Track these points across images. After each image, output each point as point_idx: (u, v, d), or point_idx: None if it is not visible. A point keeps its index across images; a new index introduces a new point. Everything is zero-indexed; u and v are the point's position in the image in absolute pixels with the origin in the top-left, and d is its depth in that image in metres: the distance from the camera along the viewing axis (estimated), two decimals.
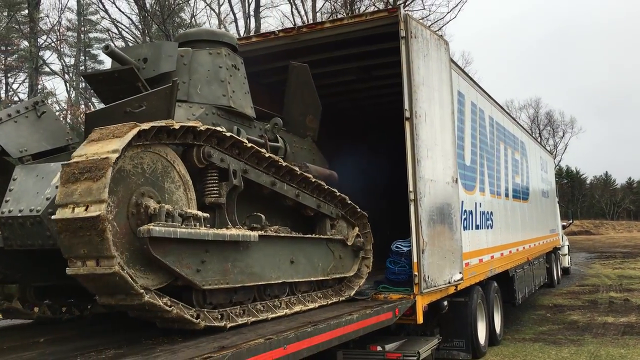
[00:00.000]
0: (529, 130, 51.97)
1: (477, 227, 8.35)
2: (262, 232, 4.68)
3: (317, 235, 5.47)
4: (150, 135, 3.66)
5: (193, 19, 25.34)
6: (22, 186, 4.02)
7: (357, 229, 5.99)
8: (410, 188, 6.04)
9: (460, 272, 6.90)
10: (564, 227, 20.23)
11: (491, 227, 9.30)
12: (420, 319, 5.97)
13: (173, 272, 3.77)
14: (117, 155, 3.32)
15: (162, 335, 4.01)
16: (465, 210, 7.66)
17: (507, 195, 10.70)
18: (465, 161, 7.92)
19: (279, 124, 5.45)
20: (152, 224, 3.57)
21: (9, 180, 4.11)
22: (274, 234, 4.83)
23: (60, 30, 26.65)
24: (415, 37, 6.18)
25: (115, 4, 24.33)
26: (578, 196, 79.80)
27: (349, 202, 5.80)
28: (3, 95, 20.72)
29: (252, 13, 24.81)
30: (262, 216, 4.80)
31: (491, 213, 9.31)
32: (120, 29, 23.64)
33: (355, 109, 10.71)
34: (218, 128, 4.22)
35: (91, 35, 27.54)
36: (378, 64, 8.17)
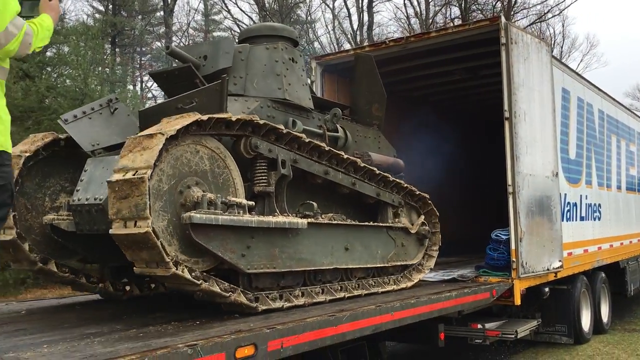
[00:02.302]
0: None
1: (581, 219, 8.79)
2: (313, 219, 4.82)
3: (375, 223, 5.54)
4: (189, 129, 3.90)
5: (309, 15, 25.93)
6: (91, 176, 4.45)
7: (422, 216, 5.98)
8: (509, 182, 6.60)
9: (559, 261, 7.39)
10: None
11: (598, 219, 9.57)
12: (517, 301, 6.52)
13: (217, 256, 4.03)
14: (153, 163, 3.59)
15: None
16: (568, 202, 8.23)
17: (619, 187, 10.78)
18: (569, 155, 8.42)
19: (338, 114, 5.55)
20: (194, 211, 3.83)
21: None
22: (326, 222, 4.96)
23: (189, 32, 28.40)
24: (516, 42, 6.71)
25: (237, 4, 25.50)
26: None
27: (406, 185, 5.81)
28: (139, 92, 22.52)
29: (365, 8, 24.94)
30: (314, 204, 4.95)
31: (599, 205, 9.61)
32: (241, 28, 24.70)
33: (460, 107, 11.46)
34: (255, 118, 4.39)
35: (215, 34, 29.01)
36: (482, 65, 8.74)
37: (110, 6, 25.94)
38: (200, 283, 3.80)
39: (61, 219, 4.61)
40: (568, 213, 8.26)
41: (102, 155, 4.66)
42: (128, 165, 3.62)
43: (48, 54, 18.33)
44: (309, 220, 4.75)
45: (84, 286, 5.12)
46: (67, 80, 18.24)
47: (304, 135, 4.82)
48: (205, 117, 3.99)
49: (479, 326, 6.65)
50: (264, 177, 4.55)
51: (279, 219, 4.45)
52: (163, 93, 5.86)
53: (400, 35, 26.61)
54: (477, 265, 7.29)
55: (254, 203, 4.34)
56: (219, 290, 3.96)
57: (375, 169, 5.48)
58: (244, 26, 24.82)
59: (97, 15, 26.32)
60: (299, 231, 4.63)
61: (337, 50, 24.88)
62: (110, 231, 3.65)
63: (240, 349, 3.32)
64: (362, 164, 5.36)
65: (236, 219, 4.07)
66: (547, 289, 7.55)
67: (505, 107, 6.61)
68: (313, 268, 4.79)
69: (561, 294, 8.01)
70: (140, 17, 26.99)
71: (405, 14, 26.64)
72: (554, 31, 34.83)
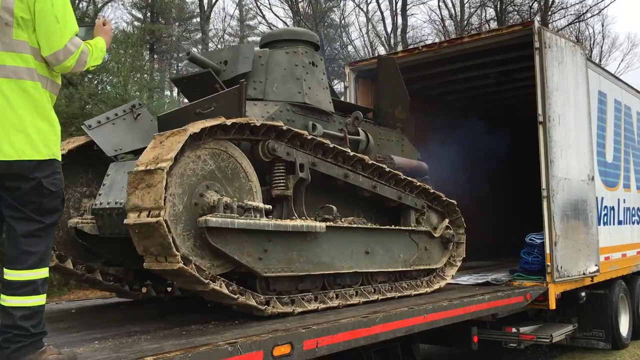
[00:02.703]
0: None
1: (619, 223, 8.75)
2: (332, 223, 4.82)
3: (396, 227, 5.50)
4: (203, 134, 3.95)
5: (343, 19, 25.98)
6: (113, 181, 4.54)
7: (447, 220, 5.91)
8: (543, 186, 6.62)
9: (595, 265, 7.38)
10: None
11: (637, 223, 9.51)
12: (552, 305, 6.52)
13: (233, 260, 4.06)
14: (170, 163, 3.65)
15: None
16: (605, 206, 8.20)
17: None
18: (606, 158, 8.36)
19: (359, 117, 5.53)
20: (210, 215, 3.87)
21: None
22: (345, 225, 4.95)
23: (224, 37, 28.72)
24: (550, 47, 6.73)
25: (271, 10, 25.71)
26: None
27: (433, 191, 5.77)
28: (176, 97, 22.87)
29: (399, 11, 24.87)
30: (334, 207, 4.94)
31: (638, 209, 9.56)
32: None
33: (495, 111, 11.47)
34: (276, 122, 4.41)
35: (250, 39, 29.28)
36: (517, 68, 8.70)
37: (149, 14, 26.46)
38: (208, 283, 3.82)
39: (85, 222, 4.71)
40: (605, 217, 8.22)
41: (125, 160, 4.75)
42: (149, 159, 3.70)
43: None
44: (328, 223, 4.74)
45: (105, 286, 5.24)
46: (108, 87, 18.74)
47: (327, 141, 4.83)
48: (229, 122, 4.05)
49: (514, 330, 6.69)
50: (282, 181, 4.57)
51: (297, 223, 4.46)
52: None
53: (435, 37, 26.46)
54: (512, 269, 7.33)
55: (271, 207, 4.36)
56: (228, 292, 3.97)
57: (398, 172, 5.45)
58: None
59: (135, 23, 26.90)
60: (317, 235, 4.63)
61: (370, 55, 24.89)
62: (125, 221, 3.70)
63: (277, 347, 3.49)
64: (387, 168, 5.34)
65: (252, 222, 4.08)
66: (583, 294, 7.54)
67: (539, 111, 6.63)
68: (332, 272, 4.78)
69: (598, 298, 7.98)
70: (177, 24, 27.45)
71: (440, 16, 26.49)
72: (594, 31, 34.09)
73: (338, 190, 5.17)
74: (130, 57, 19.91)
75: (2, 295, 2.75)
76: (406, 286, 5.55)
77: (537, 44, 6.64)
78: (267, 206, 4.29)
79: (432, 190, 5.79)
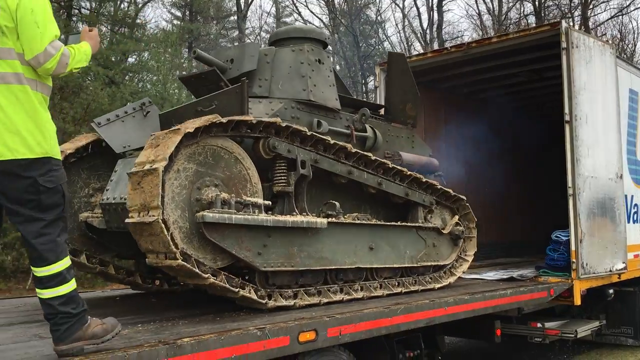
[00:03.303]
0: None
1: None
2: (335, 219, 4.86)
3: (403, 223, 5.50)
4: (199, 133, 4.03)
5: (379, 15, 25.86)
6: (120, 176, 4.68)
7: (456, 217, 5.89)
8: (569, 184, 6.74)
9: (623, 262, 7.43)
10: None
11: None
12: (577, 301, 6.62)
13: (231, 254, 4.14)
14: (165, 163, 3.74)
15: None
16: (635, 204, 8.30)
17: None
18: (637, 157, 8.44)
19: (366, 114, 5.54)
20: (207, 210, 3.96)
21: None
22: (348, 221, 4.98)
23: (261, 35, 28.92)
24: (577, 47, 6.83)
25: (307, 7, 25.80)
26: None
27: (440, 187, 5.75)
28: None
29: (435, 7, 24.62)
30: (337, 204, 4.98)
31: None
32: None
33: (525, 109, 11.56)
34: (272, 119, 4.46)
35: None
36: (546, 67, 8.79)
37: (187, 12, 26.88)
38: (207, 277, 3.92)
39: (95, 216, 4.88)
40: (635, 215, 8.28)
41: (133, 157, 4.88)
42: (145, 160, 3.82)
43: (130, 59, 19.32)
44: (330, 219, 4.78)
45: (115, 278, 5.42)
46: (148, 85, 19.13)
47: (328, 138, 4.86)
48: (224, 120, 4.12)
49: (539, 325, 6.83)
50: (283, 177, 4.63)
51: (297, 219, 4.50)
52: None
53: (472, 32, 26.08)
54: (537, 265, 7.44)
55: (270, 203, 4.42)
56: (228, 286, 4.07)
57: (403, 169, 5.45)
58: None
59: (175, 22, 27.36)
60: (319, 230, 4.67)
61: (407, 52, 24.68)
62: (126, 220, 3.83)
63: (303, 333, 3.80)
64: (391, 165, 5.35)
65: (250, 218, 4.16)
66: (611, 291, 7.68)
67: (566, 110, 6.72)
68: (334, 267, 4.82)
69: (627, 295, 8.12)
70: (215, 22, 27.79)
71: (477, 11, 26.07)
72: (637, 23, 32.98)
73: (344, 187, 5.20)
74: (169, 56, 20.31)
75: (37, 289, 3.02)
76: (413, 282, 5.55)
77: (564, 44, 6.73)
78: (267, 202, 4.36)
79: (439, 187, 5.76)
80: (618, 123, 7.65)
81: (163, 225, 3.66)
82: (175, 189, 3.88)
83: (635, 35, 30.67)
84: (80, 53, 3.19)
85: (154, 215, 3.65)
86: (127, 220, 3.82)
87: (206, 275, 3.93)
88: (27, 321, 4.28)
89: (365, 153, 5.16)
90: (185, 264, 3.78)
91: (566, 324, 7.17)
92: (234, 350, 3.37)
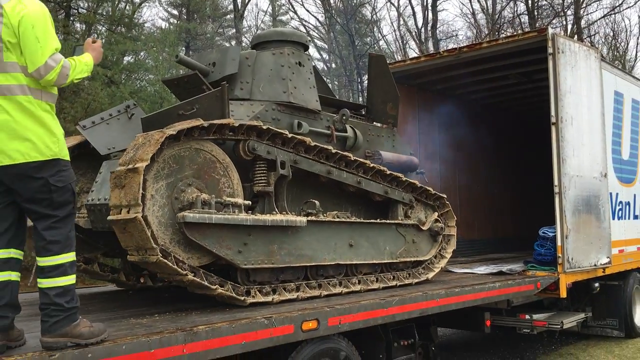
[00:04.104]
0: None
1: (635, 217, 9.15)
2: (314, 217, 5.00)
3: (382, 220, 5.64)
4: (181, 135, 4.17)
5: (374, 14, 25.93)
6: (104, 178, 4.78)
7: (436, 213, 6.02)
8: (555, 183, 7.01)
9: (607, 257, 7.76)
10: None
11: None
12: (563, 294, 6.91)
13: (212, 253, 4.28)
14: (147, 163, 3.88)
15: None
16: (620, 202, 8.63)
17: None
18: (622, 156, 8.74)
19: (346, 115, 5.67)
20: (188, 210, 4.10)
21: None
22: (328, 219, 5.12)
23: (257, 33, 28.94)
24: (563, 52, 7.11)
25: (303, 6, 25.91)
26: None
27: (420, 185, 5.89)
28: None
29: (429, 7, 24.72)
30: (316, 202, 5.12)
31: None
32: (307, 29, 25.03)
33: (515, 110, 11.92)
34: (254, 122, 4.60)
35: None
36: (534, 70, 9.02)
37: (184, 11, 26.95)
38: (186, 274, 4.07)
39: (81, 216, 5.01)
40: (620, 212, 8.60)
41: (117, 158, 5.00)
42: (127, 159, 3.97)
43: (128, 59, 19.43)
44: (309, 218, 4.92)
45: (100, 276, 5.58)
46: (147, 85, 19.21)
47: (308, 139, 4.98)
48: (206, 124, 4.26)
49: (527, 317, 7.16)
50: (263, 178, 4.76)
51: (276, 217, 4.64)
52: None
53: (466, 30, 26.12)
54: (526, 260, 7.72)
55: (250, 202, 4.56)
56: (206, 283, 4.21)
57: (382, 167, 5.58)
58: (310, 27, 25.18)
59: (172, 20, 27.45)
60: (299, 229, 4.81)
61: (401, 51, 24.78)
62: (109, 217, 3.98)
63: (306, 322, 4.16)
64: (371, 164, 5.48)
65: (230, 217, 4.29)
66: (597, 284, 8.05)
67: (552, 112, 6.97)
68: (314, 264, 4.96)
69: (612, 289, 8.49)
70: (211, 21, 27.85)
71: (471, 10, 26.15)
72: (630, 22, 33.04)
73: (324, 186, 5.34)
74: (167, 55, 20.40)
75: (38, 279, 3.21)
76: (392, 277, 5.69)
77: (550, 50, 6.98)
78: (247, 202, 4.49)
79: (419, 185, 5.90)
80: (603, 124, 7.91)
81: (143, 222, 3.81)
82: (156, 188, 4.02)
83: (628, 33, 30.69)
84: (82, 64, 3.39)
85: (135, 213, 3.80)
86: (109, 217, 3.96)
87: (185, 272, 4.08)
88: (29, 315, 4.38)
89: (345, 153, 5.29)
90: (164, 260, 3.92)
91: (553, 316, 7.49)
92: (244, 337, 3.76)
